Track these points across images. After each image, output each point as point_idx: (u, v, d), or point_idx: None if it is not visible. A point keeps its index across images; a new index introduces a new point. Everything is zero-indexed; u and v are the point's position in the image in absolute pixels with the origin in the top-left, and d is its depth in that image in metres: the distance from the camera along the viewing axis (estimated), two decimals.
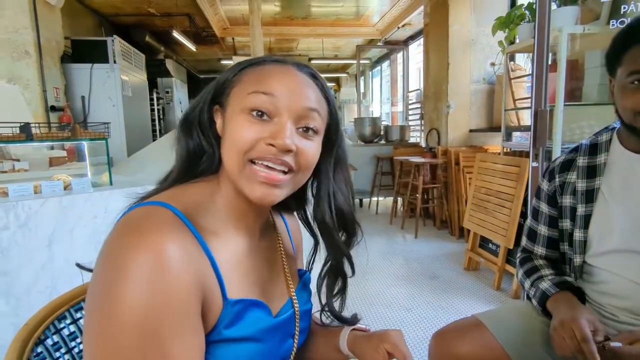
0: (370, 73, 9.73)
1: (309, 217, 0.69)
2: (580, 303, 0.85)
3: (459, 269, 3.06)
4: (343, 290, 0.70)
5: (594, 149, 0.93)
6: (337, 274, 0.68)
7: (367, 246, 3.14)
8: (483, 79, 3.95)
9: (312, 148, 0.56)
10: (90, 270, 0.48)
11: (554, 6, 2.29)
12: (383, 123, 6.44)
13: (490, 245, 2.82)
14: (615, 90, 0.83)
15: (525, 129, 2.91)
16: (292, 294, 0.65)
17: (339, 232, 0.65)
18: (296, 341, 0.64)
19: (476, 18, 3.87)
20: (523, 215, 2.47)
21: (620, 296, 0.86)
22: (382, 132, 5.78)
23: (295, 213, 0.74)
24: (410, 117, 6.57)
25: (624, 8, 1.84)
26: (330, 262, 0.68)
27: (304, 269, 0.73)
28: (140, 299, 0.43)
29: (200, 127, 0.58)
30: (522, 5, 2.65)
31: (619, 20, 1.86)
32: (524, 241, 1.07)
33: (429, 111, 4.57)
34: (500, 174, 2.72)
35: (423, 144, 4.98)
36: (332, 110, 0.60)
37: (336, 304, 0.70)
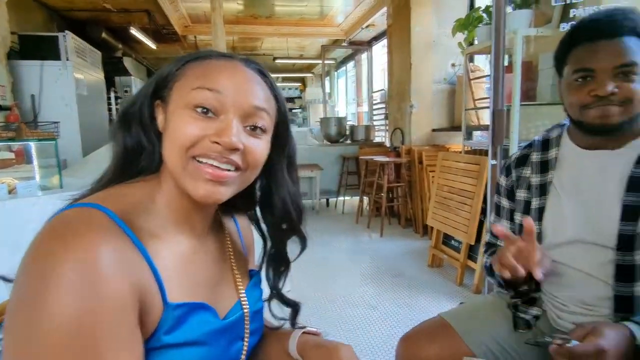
0: (336, 73, 9.78)
1: (259, 216, 0.67)
2: None
3: (423, 266, 3.11)
4: (286, 272, 0.71)
5: (545, 144, 0.96)
6: (281, 260, 0.70)
7: (334, 246, 3.14)
8: (444, 80, 4.05)
9: (260, 146, 0.54)
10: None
11: (509, 9, 2.37)
12: (349, 123, 6.49)
13: (452, 242, 2.89)
14: (563, 88, 0.86)
15: (485, 128, 3.00)
16: (241, 295, 0.62)
17: (290, 230, 0.66)
18: (246, 343, 0.62)
19: (437, 20, 3.96)
20: (483, 211, 2.54)
21: (572, 287, 0.88)
22: (347, 132, 5.81)
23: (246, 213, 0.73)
24: (375, 117, 6.64)
25: (573, 12, 1.93)
26: (273, 251, 0.69)
27: (256, 269, 0.71)
28: (69, 312, 0.39)
29: (141, 122, 0.55)
30: (480, 8, 2.73)
31: (569, 23, 1.95)
32: (487, 237, 1.07)
33: (393, 111, 4.64)
34: (461, 172, 2.79)
35: (388, 144, 5.05)
36: (281, 108, 0.59)
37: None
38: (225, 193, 0.52)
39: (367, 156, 4.56)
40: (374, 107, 6.73)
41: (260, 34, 6.90)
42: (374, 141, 5.70)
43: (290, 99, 11.66)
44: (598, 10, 0.82)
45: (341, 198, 5.30)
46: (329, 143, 5.67)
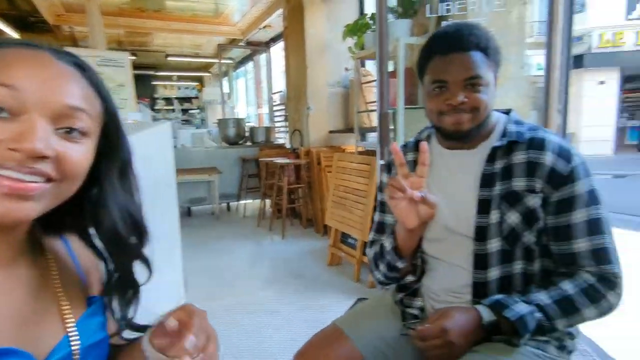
0: (235, 73, 9.53)
1: (92, 235, 0.57)
2: None
3: (323, 265, 3.16)
4: (135, 299, 0.61)
5: (417, 145, 1.01)
6: (126, 286, 0.59)
7: (234, 251, 2.99)
8: (338, 83, 4.18)
9: (79, 152, 0.45)
10: None
11: (392, 18, 2.52)
12: (249, 124, 6.36)
13: (349, 239, 2.98)
14: (424, 95, 0.92)
15: (375, 129, 3.16)
16: (70, 328, 0.52)
17: (124, 251, 0.56)
18: None
19: (329, 24, 4.07)
20: (375, 209, 2.65)
21: (443, 278, 0.94)
22: (247, 134, 5.69)
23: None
24: (276, 119, 6.62)
25: (444, 24, 2.12)
26: (117, 276, 0.58)
27: (98, 294, 0.60)
28: None
29: None
30: (367, 15, 2.86)
31: None
32: (371, 236, 1.09)
33: (292, 113, 4.66)
34: (355, 172, 2.90)
35: (288, 145, 5.06)
36: (108, 107, 0.51)
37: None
38: (33, 209, 0.42)
39: (267, 158, 4.50)
40: (274, 108, 6.70)
41: (150, 29, 6.38)
42: (275, 143, 5.67)
43: (187, 99, 11.06)
44: (448, 25, 0.89)
45: (242, 202, 5.16)
46: (228, 145, 5.49)
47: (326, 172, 3.77)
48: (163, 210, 2.14)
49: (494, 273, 0.86)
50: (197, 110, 10.64)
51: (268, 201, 4.67)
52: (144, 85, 9.78)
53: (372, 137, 3.72)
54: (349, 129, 4.10)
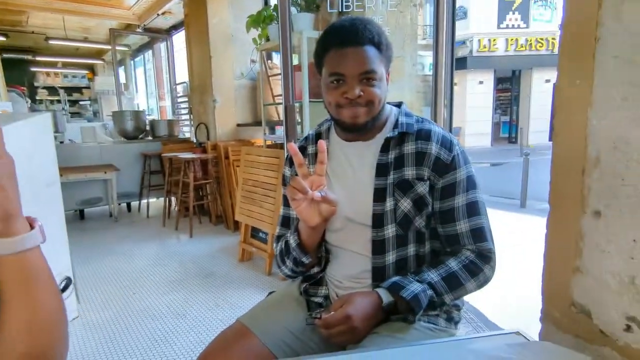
0: (132, 62, 8.78)
1: None
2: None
3: (234, 262, 3.09)
4: None
5: (318, 137, 1.03)
6: None
7: (136, 254, 2.77)
8: (242, 75, 4.09)
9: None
10: None
11: (295, 11, 2.53)
12: (149, 117, 5.92)
13: (260, 234, 2.96)
14: (323, 87, 0.93)
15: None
16: None
17: None
18: None
19: (234, 13, 3.95)
20: None
21: (345, 265, 0.97)
22: (148, 128, 5.29)
23: None
24: (181, 112, 6.26)
25: None
26: None
27: None
28: None
29: None
30: (271, 6, 2.83)
31: None
32: (278, 230, 1.09)
33: (196, 105, 4.44)
34: (263, 165, 2.87)
35: (194, 140, 4.82)
36: None
37: None
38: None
39: (171, 153, 4.23)
40: (178, 100, 6.32)
41: (23, 6, 5.55)
42: (180, 137, 5.36)
43: (77, 89, 9.92)
44: (343, 18, 0.90)
45: (145, 201, 4.80)
46: (126, 140, 5.05)
47: (235, 166, 3.68)
48: (44, 213, 1.89)
49: (390, 257, 0.92)
50: (89, 102, 9.60)
51: (174, 199, 4.41)
52: (19, 72, 8.53)
53: (281, 130, 3.72)
54: (257, 122, 4.04)
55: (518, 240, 3.57)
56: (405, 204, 0.90)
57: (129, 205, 5.00)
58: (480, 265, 0.87)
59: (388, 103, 0.99)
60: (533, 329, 0.83)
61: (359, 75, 0.86)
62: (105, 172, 4.20)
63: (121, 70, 7.78)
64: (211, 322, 2.19)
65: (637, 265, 0.63)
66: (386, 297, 0.85)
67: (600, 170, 0.68)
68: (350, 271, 0.97)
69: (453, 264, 0.87)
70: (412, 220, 0.90)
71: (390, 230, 0.91)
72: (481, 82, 14.66)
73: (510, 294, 2.40)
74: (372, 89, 0.88)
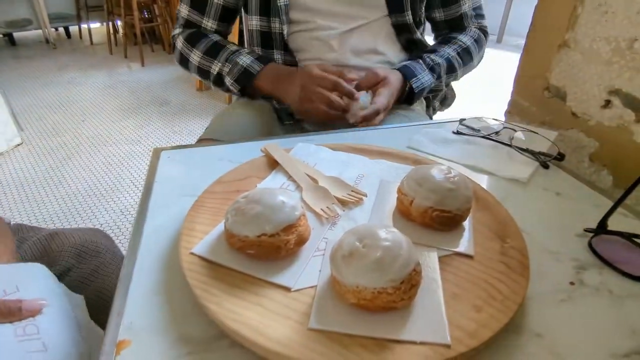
0: None
1: None
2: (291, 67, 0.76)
3: (191, 90, 2.88)
4: None
5: None
6: None
7: (82, 83, 2.48)
8: None
9: None
10: None
11: None
12: None
13: None
14: None
15: None
16: None
17: None
18: None
19: None
20: None
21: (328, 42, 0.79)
22: None
23: None
24: None
25: None
26: None
27: None
28: None
29: None
30: None
31: None
32: (184, 12, 0.82)
33: None
34: None
35: None
36: None
37: None
38: None
39: None
40: None
41: None
42: None
43: None
44: None
45: (85, 25, 4.20)
46: None
47: None
48: None
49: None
50: None
51: (119, 23, 3.87)
52: None
53: None
54: None
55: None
56: None
57: (67, 30, 4.39)
58: (483, 40, 0.85)
59: None
60: None
61: None
62: None
63: None
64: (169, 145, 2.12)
65: None
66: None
67: None
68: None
69: (465, 39, 0.82)
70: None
71: None
72: None
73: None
74: None
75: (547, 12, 0.66)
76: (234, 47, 0.78)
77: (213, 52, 0.78)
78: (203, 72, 0.80)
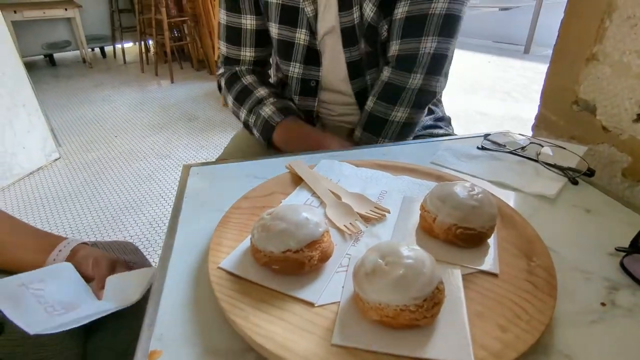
0: None
1: None
2: (310, 125, 0.76)
3: (217, 106, 2.97)
4: None
5: None
6: None
7: (115, 100, 2.60)
8: None
9: None
10: None
11: None
12: None
13: None
14: None
15: None
16: None
17: None
18: None
19: None
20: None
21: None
22: None
23: None
24: None
25: None
26: None
27: None
28: None
29: None
30: None
31: None
32: (223, 49, 0.80)
33: None
34: None
35: None
36: None
37: None
38: None
39: None
40: None
41: None
42: None
43: None
44: None
45: (119, 45, 4.40)
46: None
47: (213, 0, 3.24)
48: None
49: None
50: None
51: (151, 42, 4.04)
52: None
53: None
54: None
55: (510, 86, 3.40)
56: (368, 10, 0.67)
57: (102, 50, 4.61)
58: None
59: None
60: None
61: None
62: (65, 10, 3.73)
63: None
64: (197, 161, 2.18)
65: None
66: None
67: None
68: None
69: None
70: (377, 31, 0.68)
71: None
72: None
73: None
74: None
75: (574, 26, 0.65)
76: (262, 93, 0.76)
77: (240, 98, 0.78)
78: (238, 118, 0.80)
